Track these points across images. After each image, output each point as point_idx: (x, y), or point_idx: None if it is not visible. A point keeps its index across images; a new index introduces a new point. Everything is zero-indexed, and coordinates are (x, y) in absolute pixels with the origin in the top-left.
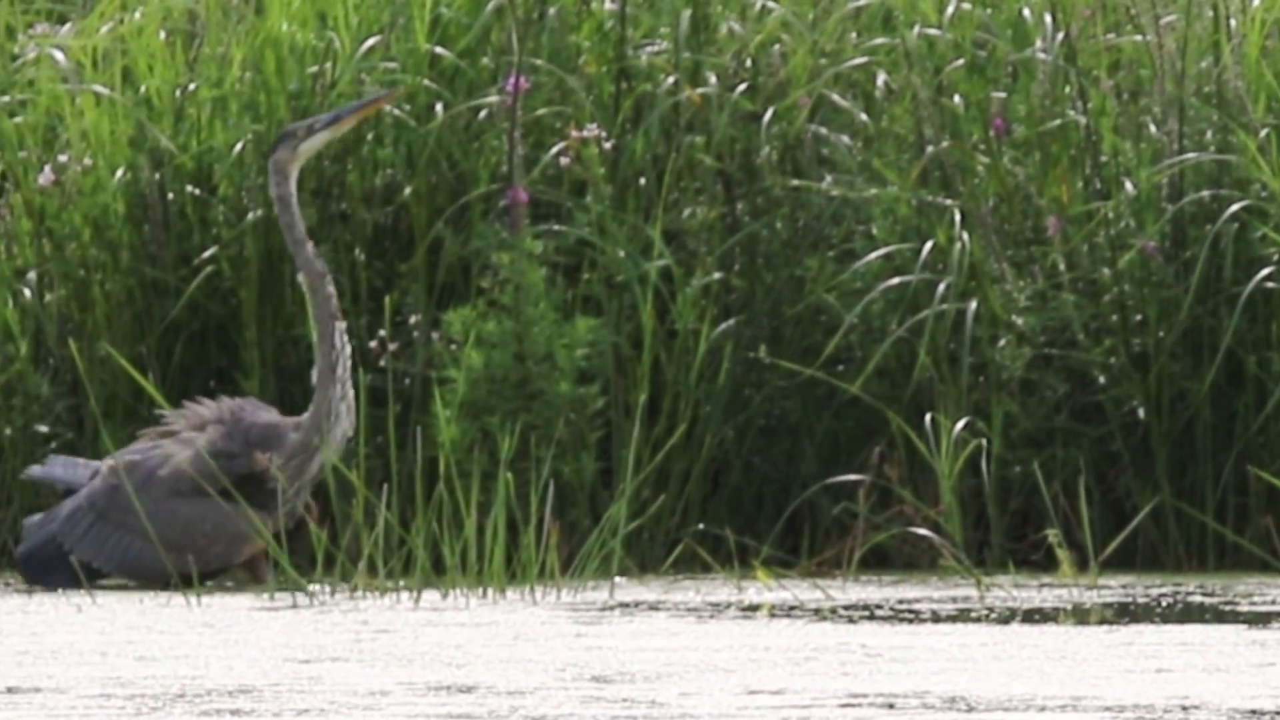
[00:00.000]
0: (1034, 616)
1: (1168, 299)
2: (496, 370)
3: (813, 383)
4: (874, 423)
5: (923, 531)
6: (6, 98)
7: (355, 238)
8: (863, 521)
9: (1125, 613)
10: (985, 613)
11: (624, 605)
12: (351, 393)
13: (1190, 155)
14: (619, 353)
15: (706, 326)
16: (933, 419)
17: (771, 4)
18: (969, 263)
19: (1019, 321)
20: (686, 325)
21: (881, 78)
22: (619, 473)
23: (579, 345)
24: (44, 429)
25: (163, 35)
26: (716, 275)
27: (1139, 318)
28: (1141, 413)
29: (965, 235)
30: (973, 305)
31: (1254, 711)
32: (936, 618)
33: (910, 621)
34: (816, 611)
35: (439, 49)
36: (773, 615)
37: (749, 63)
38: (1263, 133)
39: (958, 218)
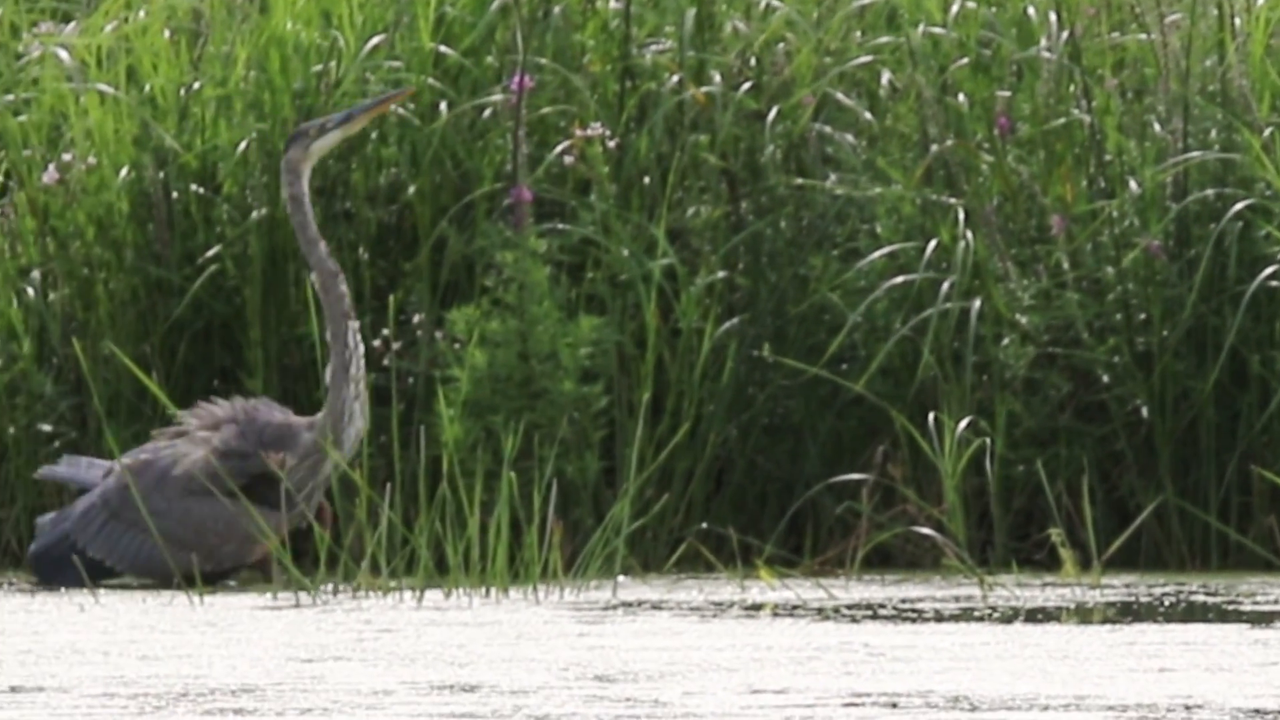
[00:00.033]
0: (1037, 616)
1: (1172, 298)
2: (500, 369)
3: (816, 382)
4: (877, 422)
5: (926, 531)
6: (11, 96)
7: (359, 236)
8: (866, 521)
9: (1128, 612)
10: (988, 612)
11: (627, 604)
12: (365, 392)
13: (1194, 154)
14: (623, 352)
15: (710, 325)
16: (936, 418)
17: (776, 3)
18: (973, 262)
19: (1023, 320)
20: (690, 324)
21: (886, 76)
22: (622, 472)
23: (583, 344)
24: (48, 428)
25: (167, 34)
26: (720, 274)
27: (1143, 317)
28: (1145, 412)
29: (969, 234)
30: (976, 304)
31: (1257, 711)
32: (939, 617)
33: (913, 621)
34: (819, 611)
35: (443, 48)
36: (776, 614)
37: (753, 62)
38: (1267, 132)
39: (962, 216)
